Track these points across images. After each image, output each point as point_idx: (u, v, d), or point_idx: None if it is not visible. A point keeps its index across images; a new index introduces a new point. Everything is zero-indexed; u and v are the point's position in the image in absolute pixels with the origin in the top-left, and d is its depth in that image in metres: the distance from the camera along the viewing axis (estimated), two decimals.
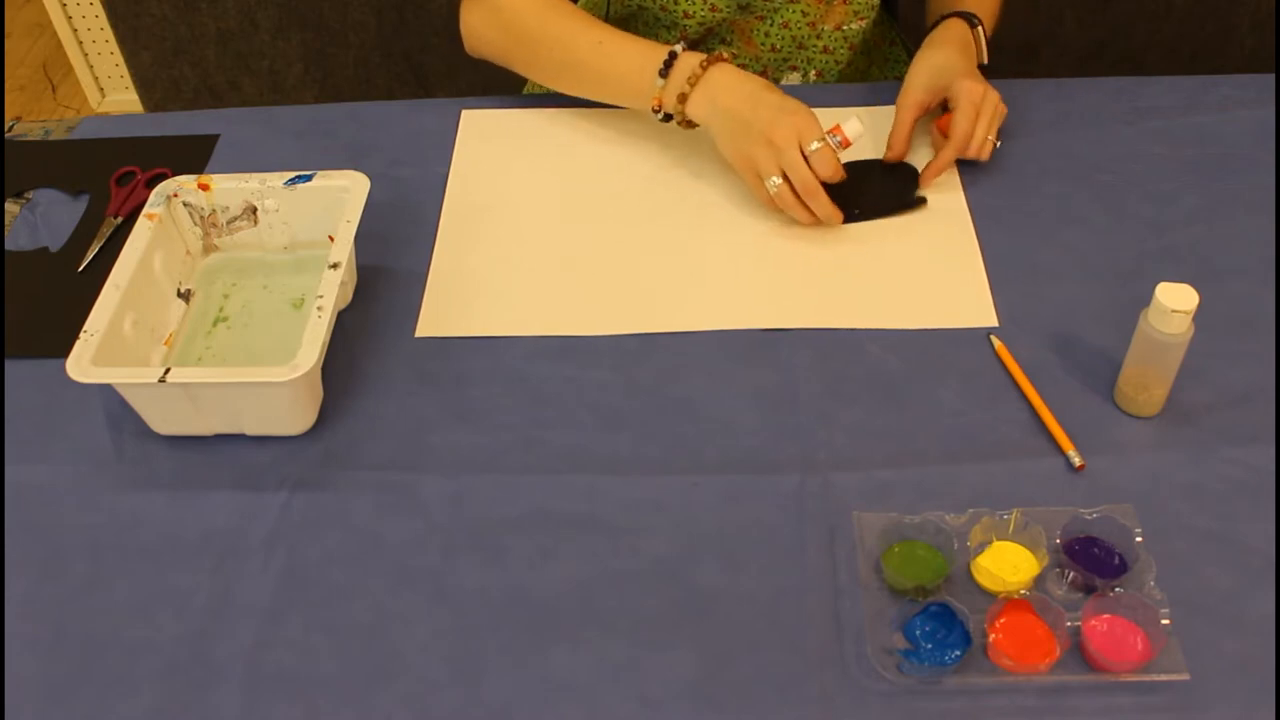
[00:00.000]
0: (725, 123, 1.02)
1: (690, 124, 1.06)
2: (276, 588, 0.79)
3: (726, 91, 1.01)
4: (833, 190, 1.00)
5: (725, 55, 1.03)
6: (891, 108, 1.11)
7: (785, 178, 0.99)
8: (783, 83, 1.21)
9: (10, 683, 0.75)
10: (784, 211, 1.01)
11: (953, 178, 1.07)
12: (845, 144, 1.00)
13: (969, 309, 0.95)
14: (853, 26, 1.17)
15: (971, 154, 1.05)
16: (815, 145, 0.97)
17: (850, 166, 1.01)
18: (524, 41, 1.11)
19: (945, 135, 1.06)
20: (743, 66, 1.18)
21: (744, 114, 1.00)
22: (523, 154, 1.12)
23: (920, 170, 1.06)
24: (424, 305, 0.97)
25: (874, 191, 1.05)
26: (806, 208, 1.00)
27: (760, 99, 1.00)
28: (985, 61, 1.10)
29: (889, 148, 1.07)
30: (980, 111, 1.04)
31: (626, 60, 1.06)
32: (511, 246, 1.03)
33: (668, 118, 1.06)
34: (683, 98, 1.03)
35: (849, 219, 1.02)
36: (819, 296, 0.96)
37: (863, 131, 1.00)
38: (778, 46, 1.18)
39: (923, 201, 1.05)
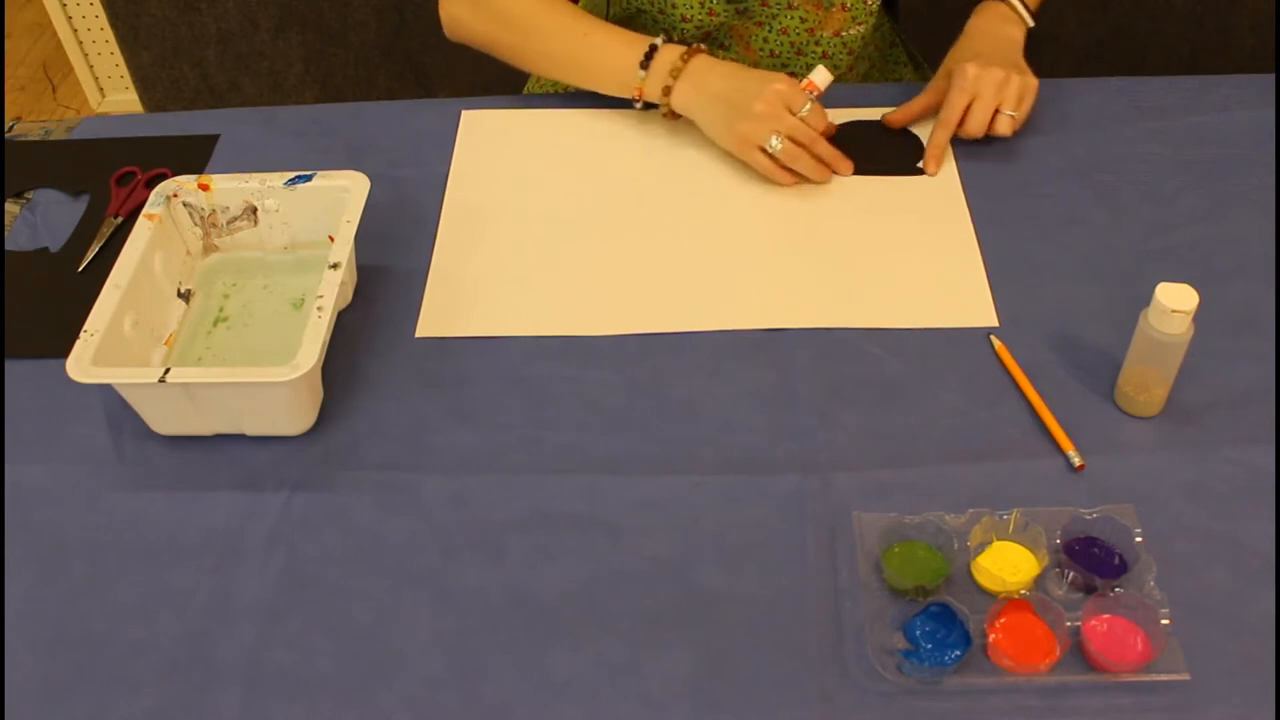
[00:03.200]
0: (712, 108, 1.05)
1: (674, 114, 1.08)
2: (276, 588, 0.79)
3: (708, 78, 1.04)
4: (837, 146, 1.05)
5: (703, 48, 1.06)
6: (889, 109, 1.12)
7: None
8: None
9: (10, 683, 0.75)
10: (792, 170, 1.04)
11: (953, 177, 1.07)
12: (819, 93, 1.04)
13: (969, 309, 0.95)
14: (851, 32, 1.17)
15: (971, 132, 1.06)
16: (806, 109, 1.02)
17: (857, 126, 1.06)
18: (512, 29, 1.13)
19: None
20: None
21: (728, 95, 1.03)
22: (523, 154, 1.12)
23: (924, 145, 1.09)
24: (424, 306, 0.97)
25: (876, 151, 1.07)
26: (812, 160, 1.03)
27: (740, 77, 1.03)
28: (1031, 24, 1.10)
29: (890, 114, 1.10)
30: (977, 94, 1.04)
31: (611, 51, 1.08)
32: (511, 247, 1.02)
33: (649, 106, 1.09)
34: (667, 90, 1.06)
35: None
36: (819, 296, 0.96)
37: (831, 79, 1.04)
38: (776, 52, 1.18)
39: (920, 170, 1.07)
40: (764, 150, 1.03)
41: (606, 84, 1.10)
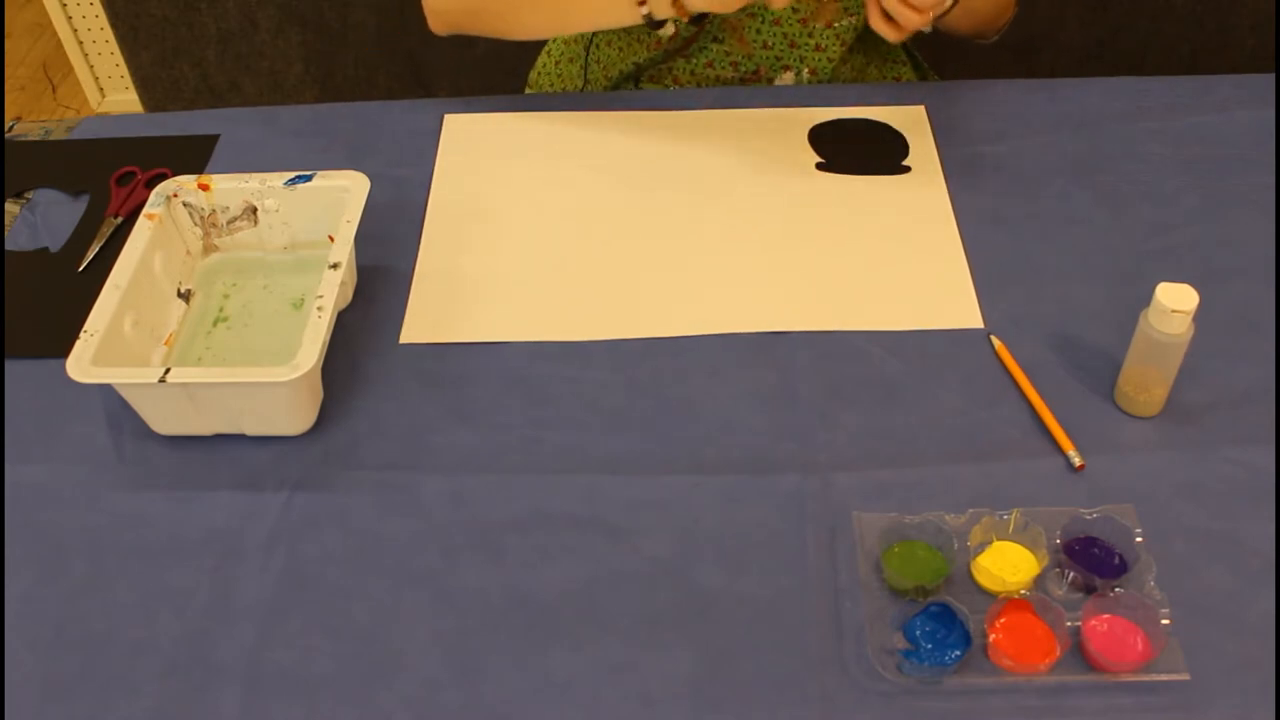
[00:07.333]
0: None
1: (689, 17, 1.03)
2: (276, 588, 0.79)
3: None
4: (822, 145, 1.05)
5: None
6: (889, 109, 1.12)
7: None
8: (777, 82, 1.21)
9: (10, 683, 0.75)
10: None
11: (938, 177, 1.06)
12: None
13: (955, 311, 0.94)
14: (844, 23, 1.17)
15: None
16: None
17: (843, 124, 1.05)
18: None
19: None
20: (735, 64, 1.18)
21: None
22: (508, 159, 1.11)
23: (906, 134, 1.09)
24: (408, 312, 0.96)
25: (863, 150, 1.08)
26: None
27: None
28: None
29: None
30: None
31: None
32: (499, 252, 1.01)
33: (655, 26, 1.05)
34: None
35: (828, 169, 1.07)
36: (817, 300, 0.96)
37: None
38: (770, 44, 1.18)
39: (906, 169, 1.07)
40: None
41: (607, 10, 1.06)
